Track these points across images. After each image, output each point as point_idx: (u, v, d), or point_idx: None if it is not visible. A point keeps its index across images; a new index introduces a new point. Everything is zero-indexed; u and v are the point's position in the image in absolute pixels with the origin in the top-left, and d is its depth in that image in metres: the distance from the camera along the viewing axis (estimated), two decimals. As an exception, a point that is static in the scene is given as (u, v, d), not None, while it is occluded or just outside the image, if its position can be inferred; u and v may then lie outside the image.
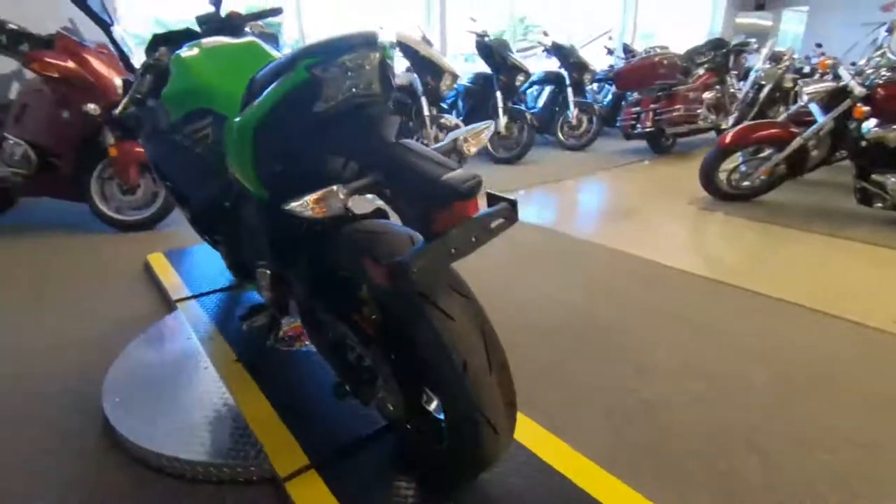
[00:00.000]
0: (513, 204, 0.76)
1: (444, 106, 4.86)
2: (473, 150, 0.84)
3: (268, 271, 1.13)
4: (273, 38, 3.66)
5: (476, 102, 5.08)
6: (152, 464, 1.20)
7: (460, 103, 5.30)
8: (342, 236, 0.91)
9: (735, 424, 1.34)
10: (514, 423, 0.91)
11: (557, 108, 5.68)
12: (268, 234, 1.03)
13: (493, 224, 0.73)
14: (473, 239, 0.70)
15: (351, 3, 6.41)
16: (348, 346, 1.05)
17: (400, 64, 4.21)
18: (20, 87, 3.25)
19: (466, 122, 5.12)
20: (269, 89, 0.81)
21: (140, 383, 1.46)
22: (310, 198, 0.70)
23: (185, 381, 1.47)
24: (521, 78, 4.89)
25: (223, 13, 1.59)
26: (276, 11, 1.68)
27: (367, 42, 0.74)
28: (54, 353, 1.68)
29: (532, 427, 1.26)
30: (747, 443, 1.27)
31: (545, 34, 5.45)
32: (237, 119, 0.86)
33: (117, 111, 1.53)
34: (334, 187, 0.72)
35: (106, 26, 1.58)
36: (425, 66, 4.03)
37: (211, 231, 1.57)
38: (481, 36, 4.80)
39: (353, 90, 0.75)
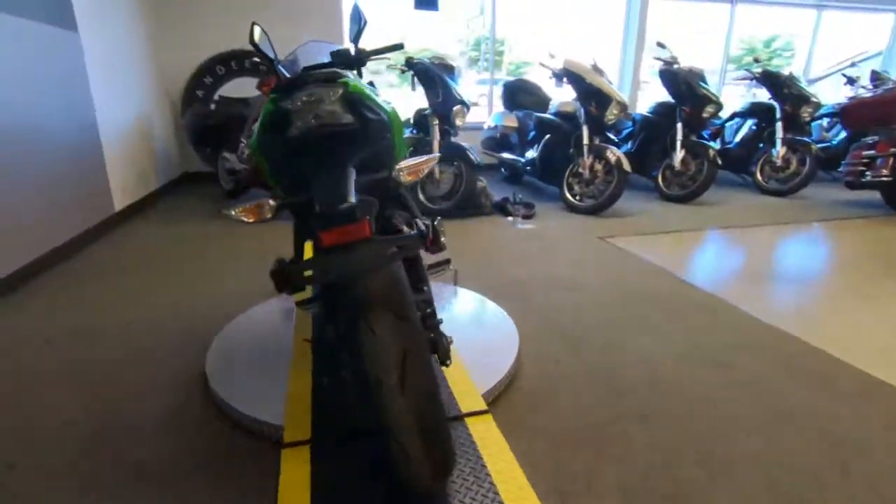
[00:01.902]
0: (419, 238, 0.78)
1: (611, 136, 4.63)
2: (408, 179, 0.87)
3: None
4: (449, 69, 4.04)
5: (653, 133, 4.70)
6: (237, 420, 1.43)
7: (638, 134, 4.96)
8: None
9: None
10: (439, 456, 0.90)
11: (763, 145, 4.88)
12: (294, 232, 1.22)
13: (388, 251, 0.76)
14: (371, 258, 0.74)
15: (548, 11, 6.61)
16: None
17: (569, 92, 4.18)
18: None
19: (638, 154, 4.78)
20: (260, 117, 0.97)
21: (240, 348, 1.81)
22: (240, 207, 0.84)
23: (275, 352, 1.77)
24: (710, 109, 4.36)
25: (353, 50, 1.88)
26: (397, 47, 1.90)
27: (327, 79, 0.85)
28: (183, 316, 2.20)
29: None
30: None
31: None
32: (252, 138, 1.06)
33: None
34: (267, 200, 0.84)
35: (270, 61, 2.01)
36: (591, 93, 3.92)
37: None
38: (669, 63, 4.44)
39: (314, 120, 0.87)
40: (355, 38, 1.87)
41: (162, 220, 3.82)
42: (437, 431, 0.90)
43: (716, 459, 1.30)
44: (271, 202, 0.85)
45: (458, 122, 3.94)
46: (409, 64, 3.84)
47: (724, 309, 2.26)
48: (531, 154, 4.59)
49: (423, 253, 1.32)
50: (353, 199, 0.72)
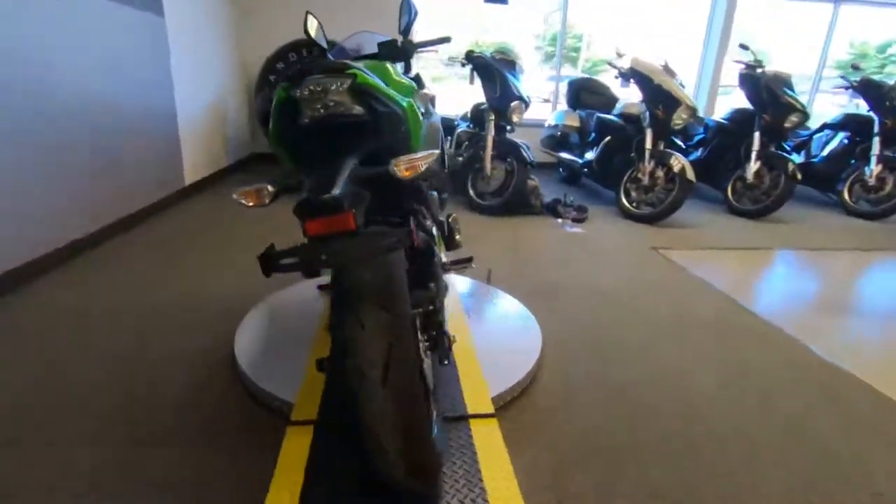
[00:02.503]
0: (406, 234, 0.76)
1: (678, 142, 4.37)
2: (405, 174, 0.85)
3: None
4: (510, 64, 3.97)
5: (726, 141, 4.39)
6: (259, 396, 1.49)
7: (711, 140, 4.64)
8: None
9: None
10: (417, 456, 0.89)
11: (854, 161, 4.41)
12: None
13: (373, 244, 0.75)
14: (355, 252, 0.73)
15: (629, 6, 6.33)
16: None
17: (636, 92, 3.97)
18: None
19: (708, 162, 4.48)
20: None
21: (268, 328, 1.88)
22: (242, 189, 0.84)
23: (301, 334, 1.82)
24: (793, 119, 4.00)
25: (399, 42, 1.89)
26: (444, 40, 1.89)
27: (335, 69, 0.85)
28: (220, 295, 2.31)
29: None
30: None
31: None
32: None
33: None
34: (266, 185, 0.85)
35: (322, 50, 2.06)
36: (659, 95, 3.71)
37: None
38: (751, 67, 4.11)
39: (323, 109, 0.87)
40: (405, 30, 1.87)
41: (226, 196, 4.06)
42: (418, 430, 0.89)
43: None
44: (269, 188, 0.87)
45: (515, 118, 3.86)
46: (469, 58, 3.81)
47: (780, 340, 2.07)
48: (590, 155, 4.43)
49: (439, 249, 1.31)
50: (339, 190, 0.72)
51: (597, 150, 4.26)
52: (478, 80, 3.89)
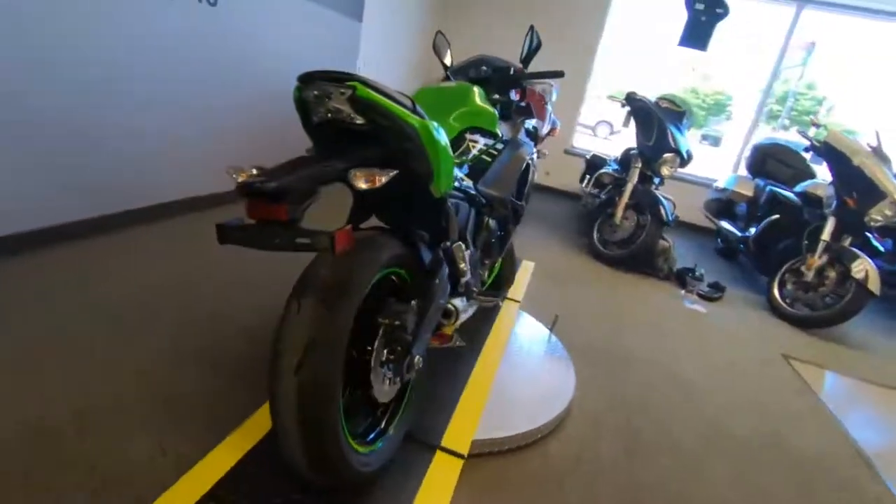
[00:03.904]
0: (329, 238, 0.77)
1: (874, 241, 3.49)
2: (362, 186, 0.85)
3: None
4: (677, 115, 3.64)
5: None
6: None
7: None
8: None
9: None
10: (315, 447, 0.92)
11: None
12: None
13: (298, 239, 0.78)
14: (276, 241, 0.78)
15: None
16: None
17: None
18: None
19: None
20: None
21: None
22: (234, 169, 0.92)
23: None
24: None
25: (512, 69, 1.91)
26: (557, 74, 1.85)
27: (337, 79, 0.91)
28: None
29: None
30: None
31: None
32: None
33: None
34: (252, 169, 0.92)
35: (445, 67, 2.16)
36: (855, 180, 3.02)
37: None
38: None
39: (327, 113, 0.94)
40: (525, 59, 1.89)
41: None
42: (322, 426, 0.91)
43: None
44: (252, 170, 0.96)
45: (665, 171, 3.55)
46: (629, 99, 3.61)
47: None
48: (753, 231, 3.82)
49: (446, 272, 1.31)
50: (282, 183, 0.78)
51: (759, 227, 3.66)
52: (633, 124, 3.67)
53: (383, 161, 0.97)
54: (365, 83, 0.93)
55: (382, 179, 0.89)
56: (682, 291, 3.32)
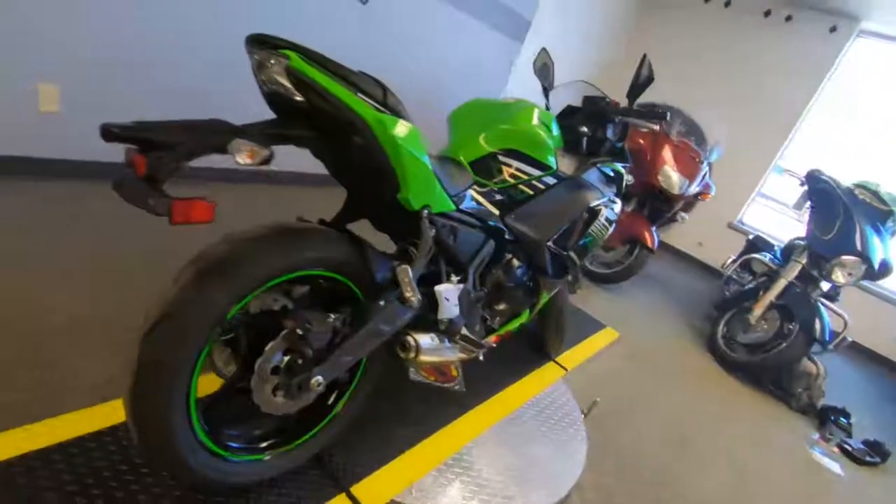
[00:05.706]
0: (167, 205, 0.67)
1: None
2: (243, 158, 0.71)
3: None
4: (879, 213, 2.77)
5: None
6: None
7: None
8: None
9: None
10: (141, 422, 0.85)
11: None
12: None
13: (149, 199, 0.69)
14: (131, 194, 0.69)
15: None
16: None
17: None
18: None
19: None
20: None
21: None
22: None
23: None
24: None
25: (606, 100, 1.63)
26: (660, 116, 1.51)
27: (274, 45, 0.79)
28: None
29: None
30: None
31: None
32: None
33: None
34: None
35: (543, 88, 1.92)
36: None
37: None
38: None
39: (271, 84, 0.83)
40: (630, 93, 1.60)
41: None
42: (147, 410, 0.82)
43: None
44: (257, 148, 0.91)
45: (839, 276, 2.73)
46: (810, 178, 2.86)
47: None
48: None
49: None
50: (145, 134, 0.70)
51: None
52: (809, 209, 2.90)
53: (334, 154, 0.87)
54: (306, 54, 0.83)
55: (258, 158, 0.77)
56: (816, 436, 2.49)
